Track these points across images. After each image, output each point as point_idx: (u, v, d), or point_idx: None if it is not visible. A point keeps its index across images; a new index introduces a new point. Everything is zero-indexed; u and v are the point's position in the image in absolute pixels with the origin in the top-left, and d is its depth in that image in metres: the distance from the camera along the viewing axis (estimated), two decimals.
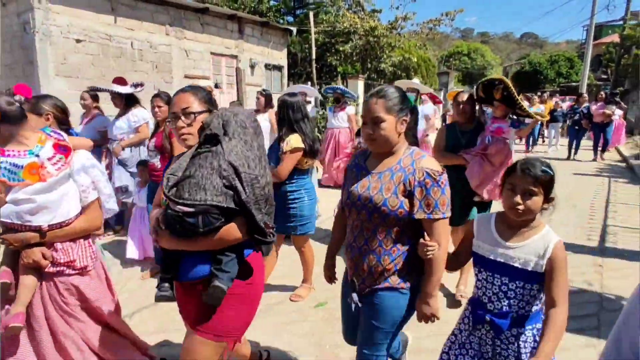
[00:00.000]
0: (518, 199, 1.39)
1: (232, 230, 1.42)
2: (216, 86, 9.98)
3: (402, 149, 1.57)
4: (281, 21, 15.85)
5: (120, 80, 4.23)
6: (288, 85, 12.19)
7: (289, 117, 2.78)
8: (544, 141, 11.94)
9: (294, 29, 11.94)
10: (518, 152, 9.93)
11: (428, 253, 1.45)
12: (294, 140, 2.72)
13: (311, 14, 8.84)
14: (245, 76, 9.52)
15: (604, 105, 8.87)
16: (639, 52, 16.71)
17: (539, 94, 11.67)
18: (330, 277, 1.92)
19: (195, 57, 9.36)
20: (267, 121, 5.19)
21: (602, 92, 9.64)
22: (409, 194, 1.48)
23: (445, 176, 1.49)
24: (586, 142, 10.33)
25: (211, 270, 1.44)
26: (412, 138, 1.67)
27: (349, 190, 1.62)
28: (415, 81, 6.30)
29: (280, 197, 2.78)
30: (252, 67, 10.75)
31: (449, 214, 1.50)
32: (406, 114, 1.55)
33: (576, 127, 9.43)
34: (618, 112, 9.07)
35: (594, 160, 9.24)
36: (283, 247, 3.22)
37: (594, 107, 8.95)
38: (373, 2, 15.54)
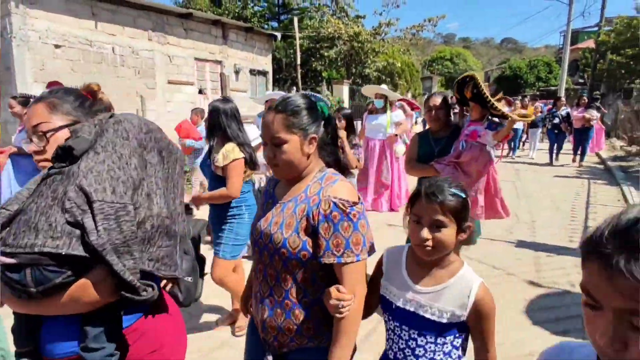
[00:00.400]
0: (425, 233, 1.10)
1: (85, 289, 0.96)
2: (200, 92, 9.90)
3: (312, 173, 1.24)
4: (266, 27, 15.86)
5: (54, 84, 4.03)
6: (273, 90, 12.17)
7: (222, 124, 2.43)
8: (523, 148, 11.72)
9: (279, 35, 11.96)
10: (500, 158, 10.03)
11: (341, 309, 1.09)
12: (232, 150, 2.37)
13: (295, 19, 8.87)
14: (229, 82, 9.45)
15: (585, 110, 8.79)
16: (613, 57, 17.27)
17: (520, 98, 11.61)
18: (246, 310, 1.54)
19: (178, 63, 9.27)
20: None
21: (584, 97, 9.38)
22: (313, 231, 1.15)
23: (360, 207, 1.16)
24: (567, 146, 10.37)
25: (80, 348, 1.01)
26: (330, 156, 1.31)
27: (253, 224, 1.31)
28: (384, 87, 6.24)
29: (217, 215, 2.54)
30: (237, 72, 10.71)
31: (365, 257, 1.16)
32: (316, 129, 1.21)
33: (555, 131, 9.32)
34: (596, 115, 8.95)
35: (574, 161, 9.29)
36: None
37: (575, 113, 8.87)
38: (357, 8, 15.71)
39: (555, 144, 9.45)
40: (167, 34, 8.93)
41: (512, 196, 6.37)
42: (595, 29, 29.62)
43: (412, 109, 7.46)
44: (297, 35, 8.95)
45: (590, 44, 27.96)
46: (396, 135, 5.55)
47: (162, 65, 8.94)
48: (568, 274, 3.50)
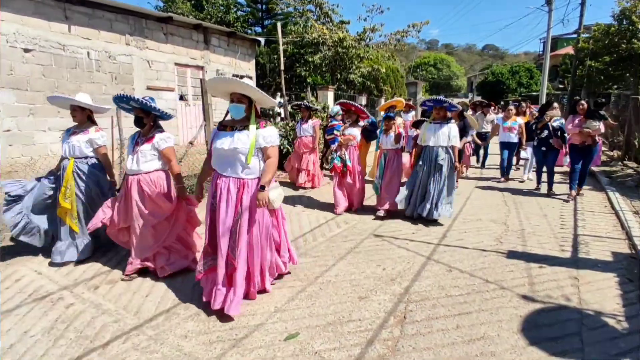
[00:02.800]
0: None
1: None
2: (181, 98, 9.61)
3: None
4: (249, 32, 15.64)
5: None
6: None
7: None
8: (518, 166, 9.44)
9: (262, 40, 11.77)
10: (474, 178, 9.68)
11: None
12: None
13: (279, 24, 8.68)
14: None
15: (585, 121, 6.09)
16: (592, 63, 17.64)
17: (515, 103, 8.83)
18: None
19: (158, 68, 8.98)
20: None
21: (582, 102, 6.28)
22: None
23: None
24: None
25: None
26: None
27: None
28: (247, 81, 3.30)
29: None
30: None
31: None
32: None
33: (543, 148, 6.72)
34: (600, 128, 6.15)
35: (570, 198, 6.45)
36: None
37: (570, 126, 6.26)
38: (341, 14, 15.64)
39: (545, 165, 6.96)
40: (146, 38, 8.64)
41: (500, 204, 6.30)
42: (574, 36, 30.47)
43: (360, 118, 6.07)
44: (281, 40, 8.77)
45: (569, 50, 28.63)
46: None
47: (141, 71, 8.64)
48: (562, 287, 3.38)
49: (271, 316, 2.92)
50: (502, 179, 8.03)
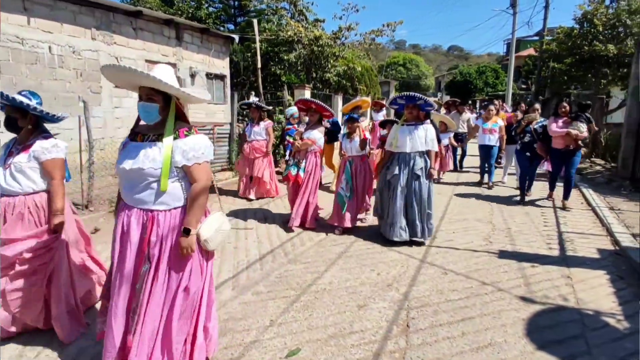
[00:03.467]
0: None
1: None
2: None
3: None
4: (222, 29, 15.20)
5: None
6: (232, 95, 11.60)
7: None
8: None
9: (236, 37, 11.43)
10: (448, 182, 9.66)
11: None
12: None
13: (255, 21, 8.43)
14: (186, 85, 8.81)
15: (570, 123, 5.64)
16: (555, 65, 18.40)
17: (496, 102, 8.36)
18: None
19: (127, 65, 8.48)
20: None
21: (564, 104, 5.78)
22: None
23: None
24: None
25: None
26: None
27: None
28: (158, 73, 2.14)
29: None
30: (193, 76, 10.05)
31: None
32: None
33: (528, 154, 6.20)
34: (585, 131, 5.63)
35: (550, 198, 6.34)
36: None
37: (554, 126, 5.70)
38: (315, 12, 15.49)
39: (527, 173, 6.36)
40: (114, 33, 8.13)
41: (482, 203, 6.35)
42: (536, 38, 31.83)
43: (319, 118, 5.06)
44: (257, 37, 8.50)
45: (531, 52, 29.78)
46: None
47: None
48: (557, 287, 3.38)
49: (267, 331, 2.73)
50: (485, 185, 7.48)
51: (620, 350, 2.51)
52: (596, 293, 3.29)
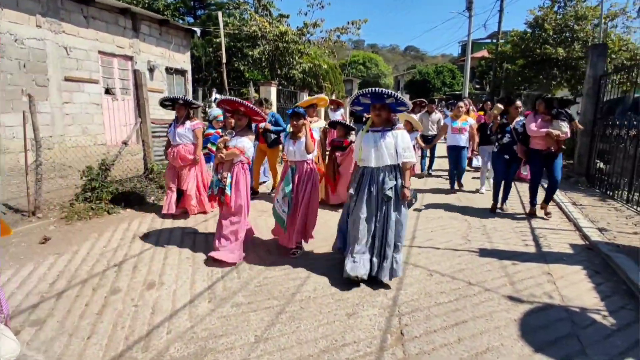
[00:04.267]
0: None
1: None
2: (107, 92, 8.49)
3: None
4: (180, 22, 14.48)
5: None
6: (193, 91, 11.05)
7: None
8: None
9: (198, 30, 10.90)
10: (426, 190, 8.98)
11: None
12: None
13: (220, 13, 8.02)
14: (142, 80, 8.23)
15: (550, 121, 5.07)
16: (509, 66, 19.33)
17: (465, 101, 7.37)
18: None
19: (78, 56, 7.80)
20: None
21: (540, 100, 5.23)
22: None
23: None
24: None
25: None
26: None
27: None
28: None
29: None
30: (151, 70, 9.45)
31: None
32: None
33: (506, 156, 5.41)
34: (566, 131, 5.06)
35: (531, 214, 5.48)
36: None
37: (532, 125, 5.09)
38: (278, 8, 15.17)
39: (504, 179, 5.60)
40: (63, 20, 7.43)
41: (454, 201, 6.42)
42: (488, 40, 33.29)
43: (249, 123, 4.04)
44: (222, 31, 8.10)
45: (484, 53, 31.16)
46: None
47: (57, 59, 7.42)
48: (540, 284, 3.40)
49: (253, 349, 2.49)
50: (454, 191, 6.92)
51: (612, 348, 2.52)
52: (578, 289, 3.33)
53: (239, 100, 3.86)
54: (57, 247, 4.12)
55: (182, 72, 10.78)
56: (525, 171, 6.78)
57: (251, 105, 3.84)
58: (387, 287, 3.30)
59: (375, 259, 3.32)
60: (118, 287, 3.28)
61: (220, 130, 4.39)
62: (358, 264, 3.25)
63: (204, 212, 5.39)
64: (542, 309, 2.99)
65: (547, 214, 5.39)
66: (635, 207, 5.55)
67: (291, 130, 3.98)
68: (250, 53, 12.41)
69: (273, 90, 10.98)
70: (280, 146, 6.13)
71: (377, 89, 3.13)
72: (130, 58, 8.83)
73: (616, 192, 6.31)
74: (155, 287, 3.28)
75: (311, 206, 3.97)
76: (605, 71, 7.77)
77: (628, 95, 7.28)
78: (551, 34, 15.78)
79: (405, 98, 3.18)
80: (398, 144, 3.23)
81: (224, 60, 8.22)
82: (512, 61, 18.74)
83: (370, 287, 3.31)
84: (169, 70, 10.23)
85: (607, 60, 8.26)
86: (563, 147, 5.18)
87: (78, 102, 7.65)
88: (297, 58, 13.20)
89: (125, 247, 4.19)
